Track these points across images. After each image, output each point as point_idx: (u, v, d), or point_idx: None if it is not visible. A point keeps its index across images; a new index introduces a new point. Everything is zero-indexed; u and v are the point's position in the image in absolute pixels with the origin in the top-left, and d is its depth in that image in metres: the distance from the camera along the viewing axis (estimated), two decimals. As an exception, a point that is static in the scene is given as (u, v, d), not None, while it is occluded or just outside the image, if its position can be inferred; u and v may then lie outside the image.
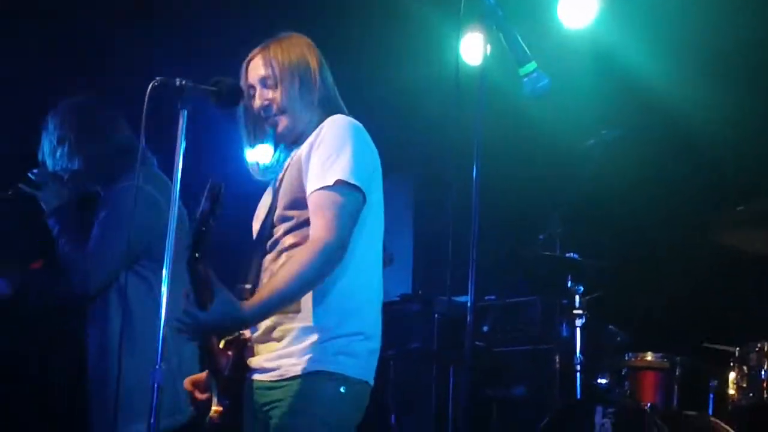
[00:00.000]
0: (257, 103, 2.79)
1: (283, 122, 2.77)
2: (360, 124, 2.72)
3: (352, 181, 2.55)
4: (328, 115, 2.73)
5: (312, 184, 2.57)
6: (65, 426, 4.00)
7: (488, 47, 2.68)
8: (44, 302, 3.80)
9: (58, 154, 3.54)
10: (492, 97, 2.74)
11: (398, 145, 5.89)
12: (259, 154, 2.93)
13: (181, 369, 3.48)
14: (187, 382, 2.77)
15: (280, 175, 2.76)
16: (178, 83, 2.67)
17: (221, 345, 2.68)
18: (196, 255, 2.40)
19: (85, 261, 3.40)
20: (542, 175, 5.46)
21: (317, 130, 2.68)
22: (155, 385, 2.54)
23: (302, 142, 2.73)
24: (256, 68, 2.80)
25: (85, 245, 3.44)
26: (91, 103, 3.65)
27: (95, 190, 3.63)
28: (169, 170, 2.64)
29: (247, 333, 2.66)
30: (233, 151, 3.12)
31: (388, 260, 3.84)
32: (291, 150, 2.79)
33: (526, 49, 2.60)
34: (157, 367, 2.54)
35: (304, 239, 2.56)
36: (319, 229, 2.51)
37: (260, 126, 2.82)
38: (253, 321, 2.52)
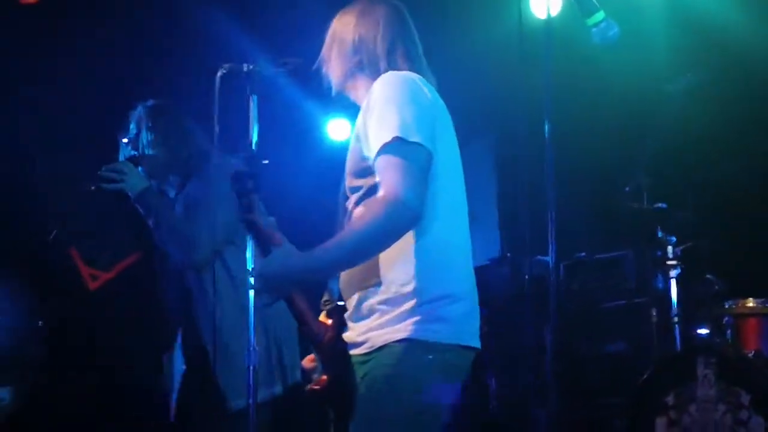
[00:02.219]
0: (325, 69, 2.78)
1: (334, 86, 2.74)
2: (413, 76, 2.60)
3: (412, 138, 2.45)
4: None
5: (373, 149, 2.48)
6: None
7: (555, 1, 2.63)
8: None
9: (144, 141, 3.75)
10: (562, 50, 2.70)
11: (475, 108, 5.85)
12: (338, 129, 2.95)
13: (279, 342, 3.61)
14: (306, 360, 2.82)
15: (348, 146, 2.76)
16: (245, 69, 2.70)
17: (322, 316, 2.72)
18: (247, 216, 2.42)
19: (193, 230, 3.54)
20: (622, 126, 5.35)
21: (368, 93, 2.59)
22: (251, 367, 2.61)
23: (353, 98, 2.71)
24: (330, 37, 2.79)
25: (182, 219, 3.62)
26: (174, 106, 3.85)
27: (162, 185, 3.80)
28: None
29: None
30: (306, 128, 3.14)
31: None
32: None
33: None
34: (251, 348, 2.60)
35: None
36: (387, 188, 2.42)
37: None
38: (310, 270, 2.48)
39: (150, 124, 3.76)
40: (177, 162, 3.76)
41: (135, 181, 3.65)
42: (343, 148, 2.89)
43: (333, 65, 2.74)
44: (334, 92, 2.75)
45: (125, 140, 3.82)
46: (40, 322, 5.67)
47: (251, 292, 2.64)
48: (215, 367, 3.51)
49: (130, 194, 3.64)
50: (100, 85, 5.22)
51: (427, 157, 2.48)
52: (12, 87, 5.41)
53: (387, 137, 2.44)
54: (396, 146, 2.44)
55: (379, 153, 2.46)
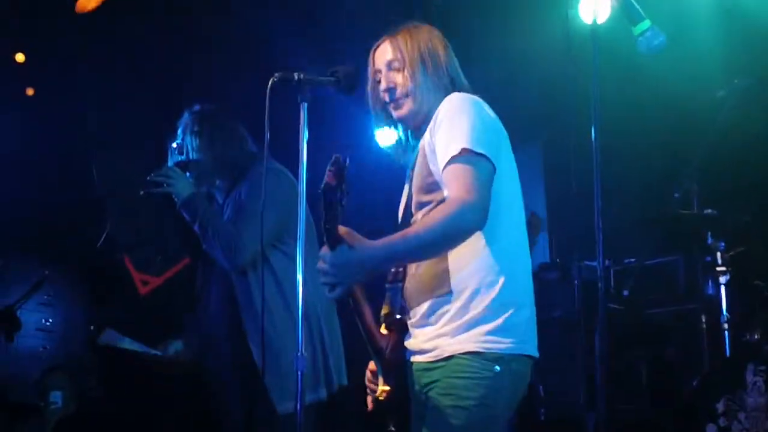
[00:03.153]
0: (383, 86, 2.82)
1: (407, 105, 2.78)
2: (476, 97, 2.70)
3: (478, 150, 2.52)
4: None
5: (441, 161, 2.56)
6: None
7: (602, 6, 2.64)
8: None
9: (190, 146, 3.81)
10: (610, 55, 2.70)
11: (523, 114, 5.84)
12: (386, 137, 2.98)
13: (324, 347, 3.65)
14: (368, 370, 2.86)
15: (412, 164, 2.79)
16: (296, 77, 2.74)
17: (382, 328, 2.76)
18: (326, 226, 2.44)
19: (240, 233, 3.59)
20: (671, 131, 5.31)
21: (436, 112, 2.67)
22: (299, 372, 2.64)
23: (423, 125, 2.76)
24: (384, 53, 2.83)
25: (229, 222, 3.67)
26: (221, 110, 3.91)
27: (211, 190, 3.87)
28: (294, 162, 2.72)
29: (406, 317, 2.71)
30: (356, 138, 3.17)
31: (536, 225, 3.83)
32: (419, 135, 2.80)
33: (638, 8, 2.54)
34: (299, 354, 2.63)
35: None
36: (457, 191, 2.49)
37: (385, 110, 2.86)
38: (377, 261, 2.51)
39: (196, 129, 3.83)
40: (224, 166, 3.81)
41: (181, 186, 3.71)
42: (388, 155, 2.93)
43: (414, 88, 2.76)
44: (407, 116, 2.79)
45: (174, 145, 3.89)
46: (92, 327, 5.77)
47: (300, 297, 2.66)
48: (264, 372, 3.55)
49: (176, 200, 3.71)
50: (154, 90, 5.32)
51: (491, 170, 2.56)
52: (67, 95, 5.53)
53: (456, 149, 2.53)
54: (463, 157, 2.52)
55: (447, 164, 2.54)
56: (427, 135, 2.68)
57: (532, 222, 3.96)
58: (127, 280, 5.13)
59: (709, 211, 4.41)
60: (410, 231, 2.51)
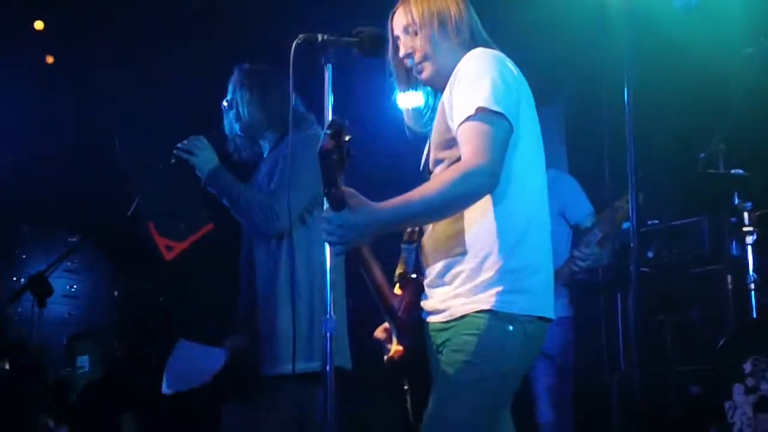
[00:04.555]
0: (402, 51, 2.80)
1: (427, 69, 2.76)
2: (499, 53, 2.66)
3: (494, 108, 2.50)
4: None
5: (457, 119, 2.54)
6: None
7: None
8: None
9: (240, 100, 3.82)
10: (638, 16, 2.66)
11: (545, 75, 5.78)
12: (410, 101, 2.96)
13: (312, 322, 3.62)
14: (379, 331, 2.87)
15: (434, 121, 2.77)
16: (320, 39, 2.72)
17: (396, 288, 2.75)
18: (331, 190, 2.43)
19: (277, 200, 3.58)
20: (698, 91, 5.24)
21: (456, 68, 2.65)
22: (327, 334, 2.64)
23: (445, 84, 2.73)
24: (399, 18, 2.81)
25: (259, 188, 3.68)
26: (263, 67, 3.89)
27: (261, 141, 3.86)
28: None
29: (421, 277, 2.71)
30: (382, 100, 3.14)
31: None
32: (440, 95, 2.78)
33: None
34: (327, 316, 2.64)
35: None
36: (467, 155, 2.48)
37: (410, 74, 2.84)
38: (389, 220, 2.49)
39: (246, 83, 3.82)
40: (272, 120, 3.80)
41: (204, 159, 3.70)
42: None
43: (430, 52, 2.75)
44: (427, 81, 2.78)
45: (225, 103, 3.88)
46: (116, 293, 5.82)
47: (328, 256, 2.66)
48: (261, 342, 3.59)
49: (199, 174, 3.70)
50: (177, 57, 5.29)
51: (508, 129, 2.53)
52: (93, 64, 5.52)
53: (471, 108, 2.50)
54: (479, 116, 2.49)
55: (463, 122, 2.51)
56: (447, 91, 2.66)
57: (622, 208, 3.93)
58: (151, 246, 5.14)
59: (736, 171, 4.36)
60: (416, 193, 2.48)
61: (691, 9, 2.50)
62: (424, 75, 2.77)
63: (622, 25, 2.52)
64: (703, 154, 4.52)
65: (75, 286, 5.59)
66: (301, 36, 2.73)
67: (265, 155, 3.90)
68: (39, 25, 5.64)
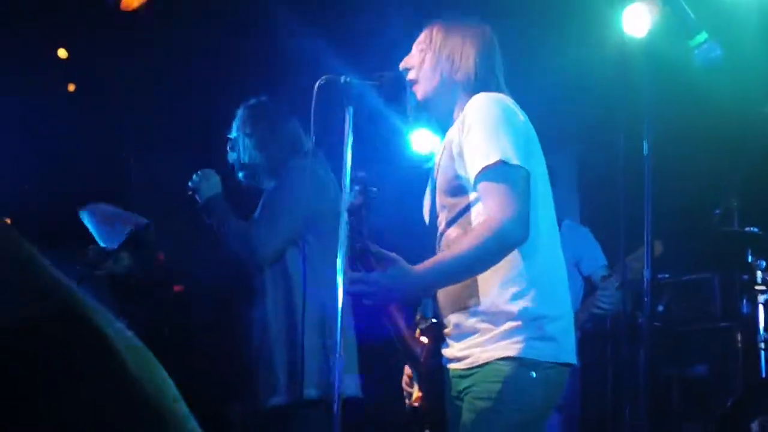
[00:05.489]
0: (403, 63, 2.82)
1: (417, 90, 2.78)
2: (504, 98, 2.65)
3: (513, 162, 2.50)
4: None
5: (474, 170, 2.53)
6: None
7: (652, 17, 2.62)
8: (210, 275, 3.99)
9: (243, 146, 3.81)
10: (658, 68, 2.67)
11: (561, 123, 5.80)
12: (422, 142, 2.98)
13: (303, 353, 3.60)
14: (405, 376, 2.86)
15: (436, 160, 2.77)
16: (342, 81, 2.74)
17: (417, 333, 2.74)
18: (357, 246, 2.47)
19: (257, 230, 3.61)
20: (715, 147, 5.25)
21: (463, 113, 2.63)
22: (336, 373, 2.64)
23: (445, 121, 2.75)
24: (421, 36, 2.84)
25: (248, 221, 3.69)
26: (271, 104, 3.90)
27: (261, 185, 3.86)
28: (337, 163, 2.72)
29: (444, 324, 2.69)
30: (399, 141, 3.16)
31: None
32: (444, 128, 2.79)
33: (694, 18, 2.51)
34: (337, 355, 2.64)
35: (466, 229, 2.56)
36: (494, 208, 2.47)
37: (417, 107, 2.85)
38: (421, 285, 2.52)
39: (248, 131, 3.82)
40: (274, 165, 3.80)
41: (204, 188, 3.73)
42: (425, 160, 2.92)
43: (427, 73, 2.77)
44: (419, 100, 2.79)
45: (228, 140, 3.90)
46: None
47: (340, 295, 2.65)
48: (258, 364, 3.60)
49: (198, 201, 3.73)
50: (196, 90, 5.33)
51: (527, 177, 2.53)
52: (109, 93, 5.57)
53: (489, 161, 2.50)
54: (499, 170, 2.49)
55: (481, 176, 2.52)
56: (454, 134, 2.64)
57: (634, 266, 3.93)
58: (160, 277, 5.15)
59: (751, 228, 4.36)
60: (451, 254, 2.49)
61: (712, 66, 2.50)
62: (416, 93, 2.78)
63: (642, 77, 2.53)
64: (718, 210, 4.51)
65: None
66: (323, 77, 2.76)
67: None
68: (62, 53, 5.70)
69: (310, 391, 3.54)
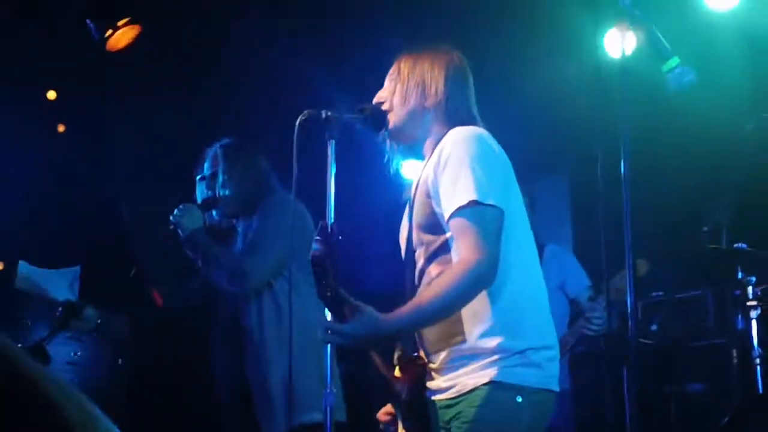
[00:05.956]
0: (376, 97, 2.86)
1: (390, 120, 2.80)
2: (482, 132, 2.66)
3: (487, 201, 2.51)
4: (449, 127, 2.70)
5: (448, 209, 2.55)
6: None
7: (629, 42, 2.64)
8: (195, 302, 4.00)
9: (222, 182, 3.87)
10: (638, 90, 2.70)
11: (548, 147, 5.84)
12: (412, 170, 2.99)
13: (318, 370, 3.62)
14: (381, 414, 2.87)
15: (412, 192, 2.78)
16: (324, 115, 2.76)
17: (396, 371, 2.75)
18: (327, 293, 2.46)
19: (247, 260, 3.65)
20: (701, 165, 5.28)
21: (439, 148, 2.65)
22: (327, 408, 2.64)
23: (418, 150, 2.77)
24: (392, 68, 2.87)
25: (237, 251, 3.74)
26: (245, 143, 3.98)
27: (230, 224, 3.93)
28: (319, 196, 2.74)
29: (424, 357, 2.69)
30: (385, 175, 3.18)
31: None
32: (417, 155, 2.81)
33: (666, 45, 2.54)
34: (327, 390, 2.64)
35: (447, 266, 2.57)
36: (466, 250, 2.49)
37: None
38: (395, 332, 2.54)
39: (225, 167, 3.87)
40: (248, 202, 3.85)
41: (188, 221, 3.77)
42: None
43: (398, 104, 2.79)
44: (390, 130, 2.81)
45: (200, 178, 3.95)
46: (120, 361, 5.80)
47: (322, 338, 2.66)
48: (255, 399, 3.62)
49: (180, 234, 3.76)
50: (184, 128, 5.37)
51: (500, 217, 2.54)
52: (97, 132, 5.60)
53: (463, 200, 2.51)
54: (472, 210, 2.51)
55: (455, 215, 2.53)
56: (429, 170, 2.65)
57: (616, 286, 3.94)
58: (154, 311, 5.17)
59: (740, 245, 4.38)
60: (423, 300, 2.50)
61: (686, 89, 2.53)
62: (391, 125, 2.80)
63: (620, 98, 2.55)
64: (706, 228, 4.54)
65: (78, 353, 5.59)
66: (305, 112, 2.78)
67: (239, 229, 3.93)
68: (51, 95, 5.74)
69: (313, 416, 3.55)
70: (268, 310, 3.69)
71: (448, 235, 2.59)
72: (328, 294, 2.44)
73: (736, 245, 4.40)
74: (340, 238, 2.46)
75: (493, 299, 2.54)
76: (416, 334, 2.69)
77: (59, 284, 4.05)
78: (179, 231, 3.78)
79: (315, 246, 2.43)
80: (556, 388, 2.61)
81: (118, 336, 4.64)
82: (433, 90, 2.76)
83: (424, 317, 2.51)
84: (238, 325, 3.75)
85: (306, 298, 3.42)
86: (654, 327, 4.99)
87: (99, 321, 3.99)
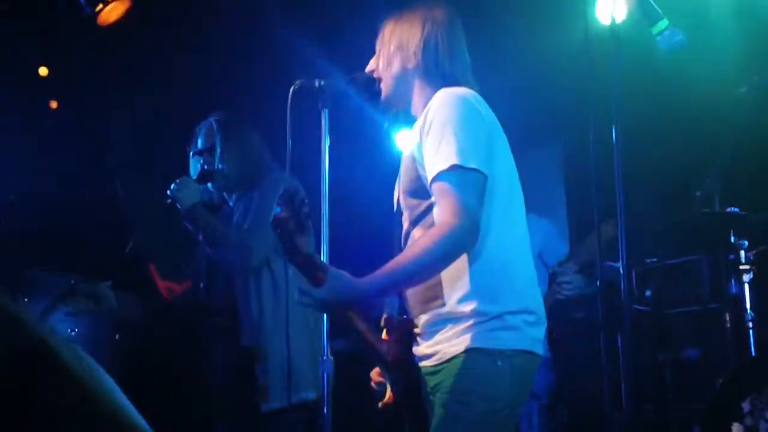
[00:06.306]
0: (367, 68, 2.86)
1: (382, 89, 2.80)
2: (469, 94, 2.63)
3: (468, 165, 2.49)
4: (432, 86, 2.69)
5: (430, 173, 2.54)
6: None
7: (621, 7, 2.65)
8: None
9: (220, 156, 3.88)
10: (628, 56, 2.70)
11: (542, 116, 5.84)
12: (405, 140, 3.00)
13: (290, 356, 3.64)
14: (374, 374, 2.89)
15: (402, 156, 2.77)
16: (317, 84, 2.77)
17: (383, 334, 2.76)
18: (295, 256, 2.50)
19: (248, 236, 3.68)
20: (692, 130, 5.28)
21: (425, 111, 2.63)
22: (325, 375, 2.67)
23: (410, 114, 2.77)
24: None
25: (237, 228, 3.74)
26: (237, 117, 3.99)
27: (221, 198, 3.95)
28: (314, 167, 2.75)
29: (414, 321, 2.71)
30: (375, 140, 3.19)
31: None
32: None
33: (656, 8, 2.54)
34: (324, 357, 2.67)
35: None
36: (445, 214, 2.48)
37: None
38: (369, 295, 2.51)
39: (222, 140, 3.87)
40: (242, 176, 3.86)
41: (184, 196, 3.77)
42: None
43: (384, 71, 2.79)
44: (384, 101, 2.81)
45: (193, 153, 3.94)
46: (117, 336, 5.81)
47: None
48: (256, 368, 3.64)
49: (179, 208, 3.76)
50: (177, 102, 5.36)
51: (483, 181, 2.53)
52: (94, 110, 5.59)
53: (444, 164, 2.50)
54: (454, 173, 2.49)
55: (436, 178, 2.52)
56: (416, 133, 2.65)
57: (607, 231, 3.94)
58: (152, 289, 5.18)
59: (732, 209, 4.39)
60: (397, 264, 2.49)
61: (676, 50, 2.54)
62: (382, 94, 2.80)
63: (611, 65, 2.56)
64: (698, 193, 4.55)
65: (76, 330, 5.60)
66: (298, 81, 2.79)
67: (231, 203, 3.94)
68: (43, 71, 5.73)
69: (308, 394, 3.58)
70: (266, 288, 3.71)
71: (432, 199, 2.58)
72: (297, 258, 2.47)
73: (728, 209, 4.42)
74: (305, 201, 2.48)
75: (472, 263, 2.54)
76: (403, 298, 2.71)
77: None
78: (177, 205, 3.78)
79: (277, 209, 2.45)
80: (539, 351, 2.61)
81: (129, 317, 4.65)
82: (412, 50, 2.74)
83: (397, 280, 2.51)
84: (234, 303, 3.76)
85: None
86: (648, 293, 5.02)
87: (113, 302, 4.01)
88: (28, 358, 0.90)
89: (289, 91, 2.81)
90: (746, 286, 4.30)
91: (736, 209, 4.38)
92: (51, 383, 0.90)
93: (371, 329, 2.71)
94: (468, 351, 2.52)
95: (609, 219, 3.92)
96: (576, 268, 4.38)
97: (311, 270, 2.50)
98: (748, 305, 4.27)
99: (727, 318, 4.60)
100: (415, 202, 2.64)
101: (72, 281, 5.23)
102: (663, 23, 2.52)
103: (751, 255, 4.32)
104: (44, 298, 5.06)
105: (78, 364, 0.92)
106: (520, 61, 5.46)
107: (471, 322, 2.53)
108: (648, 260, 5.24)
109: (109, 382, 0.94)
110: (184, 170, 4.00)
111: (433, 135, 2.55)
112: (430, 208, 2.60)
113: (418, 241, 2.54)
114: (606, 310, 4.86)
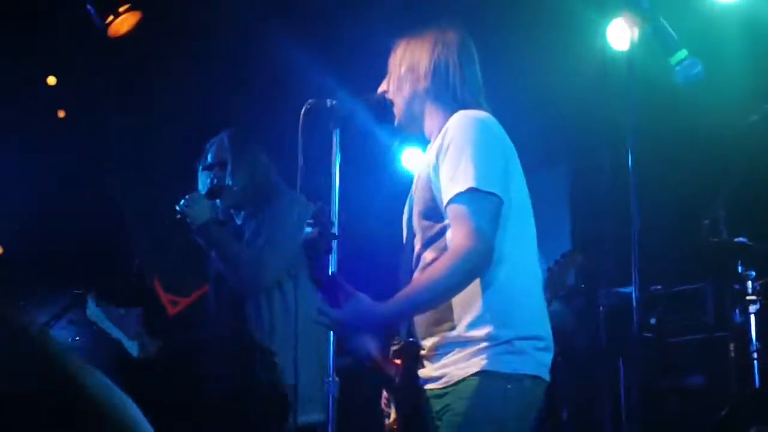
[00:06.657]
0: (379, 89, 2.85)
1: (395, 113, 2.80)
2: (485, 117, 2.63)
3: (486, 189, 2.49)
4: (444, 107, 2.69)
5: (446, 195, 2.54)
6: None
7: (635, 33, 2.64)
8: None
9: (231, 172, 3.86)
10: (640, 82, 2.69)
11: (550, 138, 5.83)
12: (412, 160, 2.99)
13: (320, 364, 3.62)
14: (384, 397, 2.86)
15: (416, 177, 2.78)
16: (328, 104, 2.76)
17: (390, 355, 2.75)
18: (319, 276, 2.52)
19: (261, 255, 3.65)
20: (701, 157, 5.27)
21: (441, 133, 2.62)
22: (330, 397, 2.66)
23: (423, 136, 2.75)
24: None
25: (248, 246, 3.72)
26: (250, 137, 3.97)
27: (228, 215, 3.93)
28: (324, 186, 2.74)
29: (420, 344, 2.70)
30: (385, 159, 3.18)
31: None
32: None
33: (674, 36, 2.53)
34: (330, 379, 2.65)
35: (442, 252, 2.55)
36: (460, 237, 2.48)
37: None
38: (387, 319, 2.54)
39: (233, 156, 3.85)
40: (251, 194, 3.84)
41: (196, 212, 3.75)
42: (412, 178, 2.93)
43: (395, 94, 2.79)
44: (398, 125, 2.80)
45: (203, 167, 3.93)
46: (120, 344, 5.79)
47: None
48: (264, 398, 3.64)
49: (191, 225, 3.74)
50: (186, 119, 5.35)
51: (499, 204, 2.53)
52: (100, 120, 5.59)
53: (462, 187, 2.50)
54: (469, 196, 2.49)
55: (452, 201, 2.52)
56: (432, 155, 2.63)
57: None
58: (155, 301, 5.17)
59: (740, 239, 4.37)
60: (414, 289, 2.51)
61: (694, 81, 2.52)
62: (395, 118, 2.80)
63: (625, 90, 2.55)
64: (706, 221, 4.52)
65: (78, 338, 5.58)
66: (310, 101, 2.78)
67: (238, 221, 3.92)
68: (51, 80, 5.73)
69: (315, 416, 3.55)
70: (278, 309, 3.69)
71: (446, 222, 2.57)
72: (325, 278, 2.46)
73: (736, 239, 4.39)
74: (334, 223, 2.47)
75: (484, 288, 2.53)
76: (409, 320, 2.69)
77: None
78: (187, 220, 3.75)
79: (308, 229, 2.44)
80: (546, 377, 2.60)
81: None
82: (422, 73, 2.73)
83: (415, 305, 2.52)
84: (242, 323, 3.73)
85: (312, 297, 3.42)
86: (653, 320, 4.99)
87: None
88: (63, 402, 0.88)
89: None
90: (752, 317, 4.27)
91: (744, 239, 4.36)
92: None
93: (380, 351, 2.70)
94: (478, 374, 2.52)
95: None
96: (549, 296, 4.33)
97: (334, 291, 2.48)
98: (753, 335, 4.24)
99: (732, 348, 4.57)
100: (428, 224, 2.63)
101: (76, 291, 5.21)
102: (682, 53, 2.51)
103: (758, 285, 4.29)
104: (48, 308, 5.05)
105: (111, 401, 0.90)
106: (530, 83, 5.45)
107: (481, 345, 2.52)
108: (652, 287, 5.21)
109: (137, 413, 0.92)
110: (189, 184, 3.98)
111: (450, 157, 2.54)
112: (443, 231, 2.59)
113: (434, 266, 2.53)
114: (610, 337, 4.84)
